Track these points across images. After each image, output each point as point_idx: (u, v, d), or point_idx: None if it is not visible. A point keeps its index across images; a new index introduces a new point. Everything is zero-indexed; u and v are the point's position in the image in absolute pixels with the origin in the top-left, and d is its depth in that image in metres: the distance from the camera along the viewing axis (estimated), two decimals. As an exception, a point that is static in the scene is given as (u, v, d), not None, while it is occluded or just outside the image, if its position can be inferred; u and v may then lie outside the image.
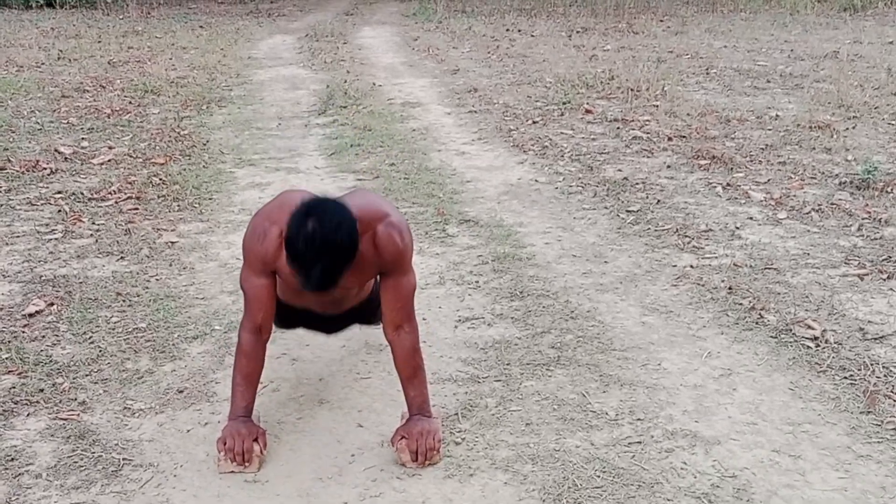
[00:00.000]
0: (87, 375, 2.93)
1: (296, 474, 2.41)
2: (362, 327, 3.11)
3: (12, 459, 2.46)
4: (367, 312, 2.78)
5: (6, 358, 3.02)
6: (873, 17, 13.40)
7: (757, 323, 3.27)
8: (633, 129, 6.28)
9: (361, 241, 2.24)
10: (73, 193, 4.87)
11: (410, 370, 2.48)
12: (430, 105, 7.60)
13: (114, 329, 3.26)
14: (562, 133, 6.32)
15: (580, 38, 11.77)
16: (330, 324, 2.82)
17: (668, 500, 2.27)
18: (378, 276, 2.48)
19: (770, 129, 6.25)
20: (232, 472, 2.39)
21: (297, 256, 2.12)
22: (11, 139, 6.02)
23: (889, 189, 4.76)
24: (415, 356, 2.48)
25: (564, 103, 7.22)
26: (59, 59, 9.65)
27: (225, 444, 2.39)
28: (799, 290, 3.55)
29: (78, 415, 2.69)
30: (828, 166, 5.29)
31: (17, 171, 5.23)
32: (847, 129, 6.20)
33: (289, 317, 2.74)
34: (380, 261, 2.37)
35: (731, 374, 2.92)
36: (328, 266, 2.11)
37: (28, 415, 2.69)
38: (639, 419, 2.65)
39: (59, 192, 4.88)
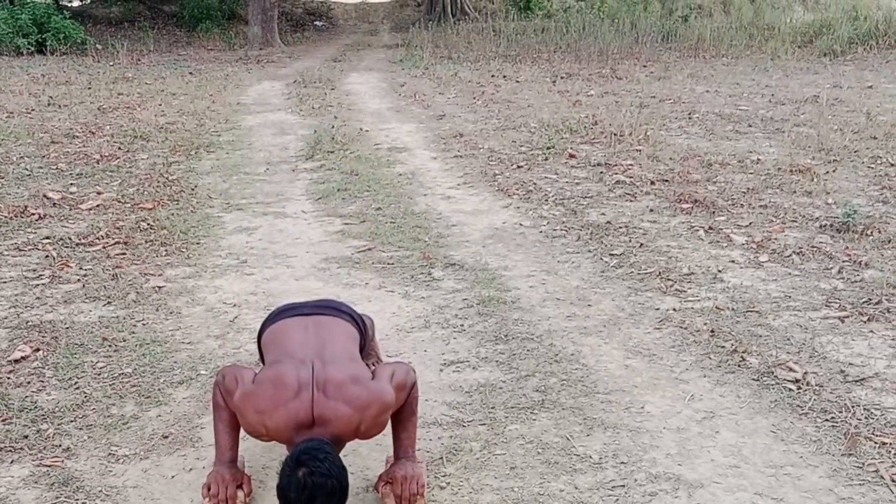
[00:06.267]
0: (71, 421, 2.93)
1: (280, 520, 2.40)
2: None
3: (-5, 507, 2.45)
4: None
5: (-9, 404, 3.01)
6: (853, 62, 13.64)
7: (739, 366, 3.30)
8: (617, 174, 6.36)
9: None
10: (61, 239, 4.89)
11: (405, 413, 2.50)
12: (417, 150, 7.69)
13: (99, 374, 3.26)
14: (546, 177, 6.40)
15: (564, 83, 11.95)
16: None
17: (652, 543, 2.28)
18: None
19: (751, 173, 6.34)
20: (216, 518, 2.39)
21: (288, 502, 2.11)
22: (0, 185, 6.05)
23: (869, 232, 4.83)
24: (412, 402, 2.50)
25: (548, 148, 7.31)
26: (49, 105, 9.72)
27: (209, 490, 2.39)
28: (780, 333, 3.59)
29: (62, 461, 2.68)
30: (808, 209, 5.36)
31: (6, 217, 5.25)
32: (827, 172, 6.30)
33: None
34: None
35: (713, 416, 2.94)
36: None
37: (12, 462, 2.68)
38: (622, 462, 2.66)
39: (47, 238, 4.90)
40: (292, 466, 2.11)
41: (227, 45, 19.20)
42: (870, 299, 3.92)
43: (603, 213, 5.40)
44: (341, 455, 2.27)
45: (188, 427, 2.91)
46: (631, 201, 5.69)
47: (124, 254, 4.69)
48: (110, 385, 3.18)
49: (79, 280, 4.29)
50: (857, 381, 3.16)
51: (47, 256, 4.61)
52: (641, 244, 4.78)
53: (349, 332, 2.68)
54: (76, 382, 3.20)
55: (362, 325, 2.80)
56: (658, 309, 3.89)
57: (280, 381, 2.32)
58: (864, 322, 3.69)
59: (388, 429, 2.53)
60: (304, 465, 2.10)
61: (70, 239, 4.89)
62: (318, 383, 2.32)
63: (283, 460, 2.70)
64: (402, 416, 2.50)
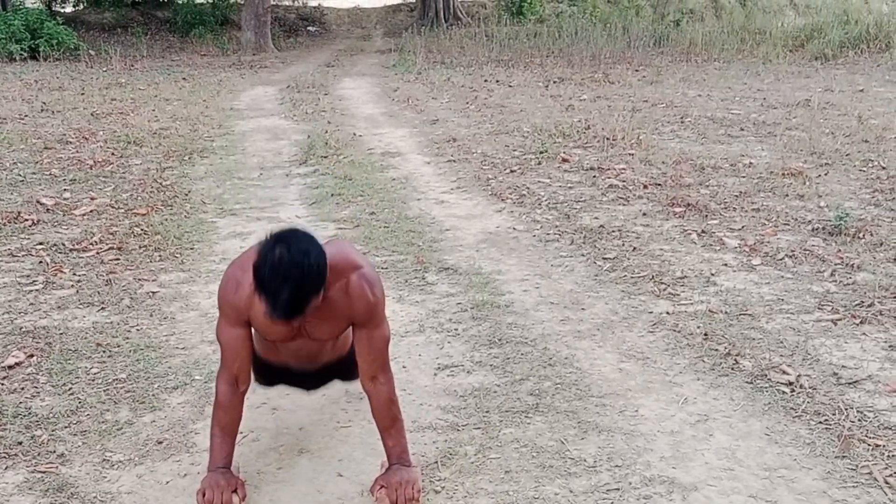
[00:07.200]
0: (66, 427, 2.92)
1: (275, 525, 2.41)
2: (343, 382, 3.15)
3: (-10, 513, 2.45)
4: (345, 369, 2.79)
5: (-16, 411, 3.01)
6: (844, 65, 13.71)
7: (732, 368, 3.31)
8: (609, 178, 6.38)
9: (333, 288, 2.31)
10: (55, 244, 4.88)
11: (388, 420, 2.50)
12: (410, 155, 7.70)
13: (93, 380, 3.26)
14: (539, 182, 6.41)
15: (557, 88, 11.97)
16: (308, 380, 2.83)
17: (646, 545, 2.29)
18: (352, 329, 2.51)
19: (744, 177, 6.37)
20: (211, 523, 2.39)
21: (263, 281, 2.09)
22: (-8, 191, 6.04)
23: (861, 235, 4.85)
24: (391, 406, 2.50)
25: (541, 152, 7.32)
26: (42, 110, 9.70)
27: (204, 495, 2.38)
28: (773, 336, 3.60)
29: (56, 467, 2.68)
30: (801, 213, 5.39)
31: (-2, 223, 5.24)
32: (819, 175, 6.32)
33: (268, 374, 2.76)
34: (352, 312, 2.40)
35: (707, 419, 2.95)
36: (294, 292, 2.09)
37: (6, 468, 2.68)
38: (617, 466, 2.67)
39: (41, 244, 4.89)
40: (271, 243, 2.10)
41: (220, 50, 19.18)
42: (862, 302, 3.93)
43: (596, 217, 5.42)
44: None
45: (183, 433, 2.91)
46: (624, 205, 5.70)
47: (118, 259, 4.68)
48: (104, 391, 3.18)
49: (72, 286, 4.29)
50: (850, 384, 3.18)
51: (41, 262, 4.60)
52: (634, 248, 4.79)
53: None
54: (70, 388, 3.19)
55: None
56: (651, 312, 3.90)
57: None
58: (857, 325, 3.70)
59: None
60: (283, 242, 2.09)
61: (64, 245, 4.88)
62: None
63: (278, 465, 2.72)
64: (384, 422, 2.50)
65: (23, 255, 4.72)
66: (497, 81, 12.93)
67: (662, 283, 4.25)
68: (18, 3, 19.35)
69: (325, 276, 2.16)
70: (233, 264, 2.48)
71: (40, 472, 2.65)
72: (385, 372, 2.50)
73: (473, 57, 16.47)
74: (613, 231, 5.10)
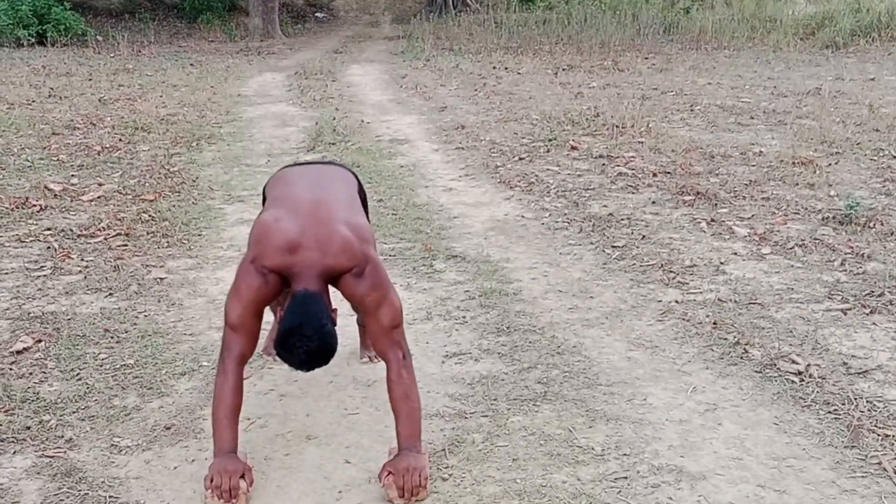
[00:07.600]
0: (74, 412, 2.93)
1: (283, 511, 2.41)
2: (350, 363, 3.15)
3: (-2, 498, 2.46)
4: None
5: (-7, 395, 3.01)
6: (855, 54, 13.61)
7: (742, 358, 3.30)
8: (619, 166, 6.35)
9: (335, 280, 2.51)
10: (63, 230, 4.88)
11: (396, 402, 2.50)
12: (418, 142, 7.67)
13: (101, 366, 3.26)
14: (548, 169, 6.38)
15: (566, 75, 11.92)
16: None
17: (654, 534, 2.28)
18: None
19: (754, 165, 6.33)
20: (219, 509, 2.39)
21: (290, 364, 2.41)
22: (1, 176, 6.04)
23: (871, 224, 4.82)
24: (394, 388, 2.51)
25: (550, 140, 7.29)
26: (49, 96, 9.70)
27: (212, 481, 2.39)
28: (783, 325, 3.59)
29: (65, 452, 2.69)
30: (811, 202, 5.35)
31: (7, 209, 5.24)
32: (829, 164, 6.28)
33: None
34: (348, 294, 2.57)
35: (716, 408, 2.94)
36: (317, 367, 2.44)
37: (14, 452, 2.69)
38: (625, 454, 2.66)
39: (49, 229, 4.90)
40: (287, 344, 2.35)
41: (227, 36, 19.13)
42: (872, 291, 3.91)
43: (605, 206, 5.39)
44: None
45: (190, 418, 2.92)
46: (633, 193, 5.68)
47: (126, 245, 4.69)
48: (112, 376, 3.18)
49: (80, 271, 4.29)
50: (859, 374, 3.16)
51: (49, 248, 4.61)
52: (643, 236, 4.77)
53: (347, 178, 2.95)
54: (78, 374, 3.20)
55: (358, 182, 3.02)
56: (660, 301, 3.89)
57: (276, 215, 2.67)
58: (867, 314, 3.68)
59: (391, 421, 2.54)
60: (297, 346, 2.34)
61: (71, 230, 4.89)
62: (313, 211, 2.60)
63: (285, 452, 2.72)
64: (392, 403, 2.51)
65: (31, 241, 4.72)
66: (506, 68, 12.87)
67: (671, 271, 4.23)
68: (26, -11, 19.31)
69: (335, 353, 2.42)
70: (251, 260, 2.54)
71: (48, 456, 2.66)
72: (387, 353, 2.53)
73: (482, 44, 16.39)
74: (622, 219, 5.08)
